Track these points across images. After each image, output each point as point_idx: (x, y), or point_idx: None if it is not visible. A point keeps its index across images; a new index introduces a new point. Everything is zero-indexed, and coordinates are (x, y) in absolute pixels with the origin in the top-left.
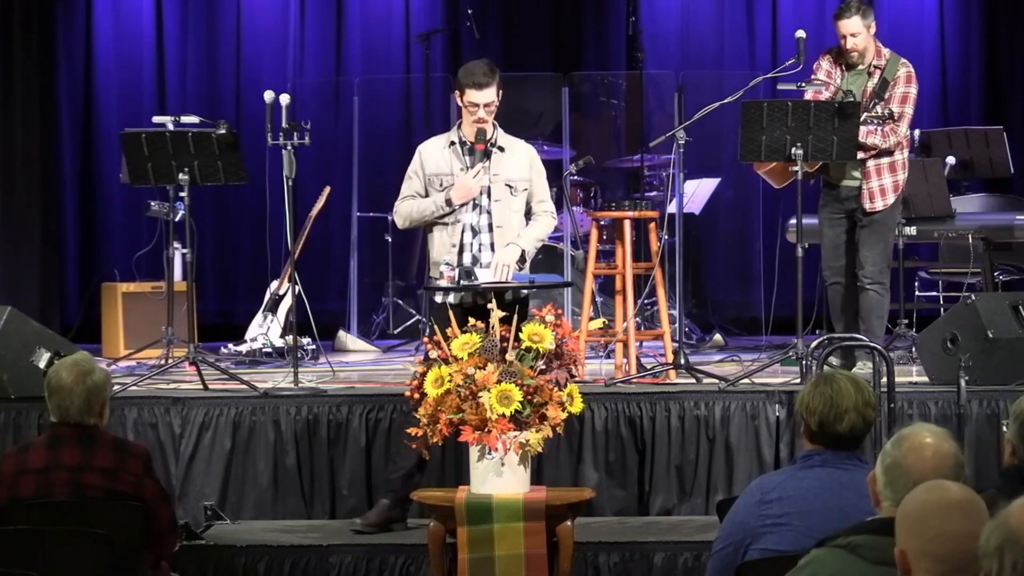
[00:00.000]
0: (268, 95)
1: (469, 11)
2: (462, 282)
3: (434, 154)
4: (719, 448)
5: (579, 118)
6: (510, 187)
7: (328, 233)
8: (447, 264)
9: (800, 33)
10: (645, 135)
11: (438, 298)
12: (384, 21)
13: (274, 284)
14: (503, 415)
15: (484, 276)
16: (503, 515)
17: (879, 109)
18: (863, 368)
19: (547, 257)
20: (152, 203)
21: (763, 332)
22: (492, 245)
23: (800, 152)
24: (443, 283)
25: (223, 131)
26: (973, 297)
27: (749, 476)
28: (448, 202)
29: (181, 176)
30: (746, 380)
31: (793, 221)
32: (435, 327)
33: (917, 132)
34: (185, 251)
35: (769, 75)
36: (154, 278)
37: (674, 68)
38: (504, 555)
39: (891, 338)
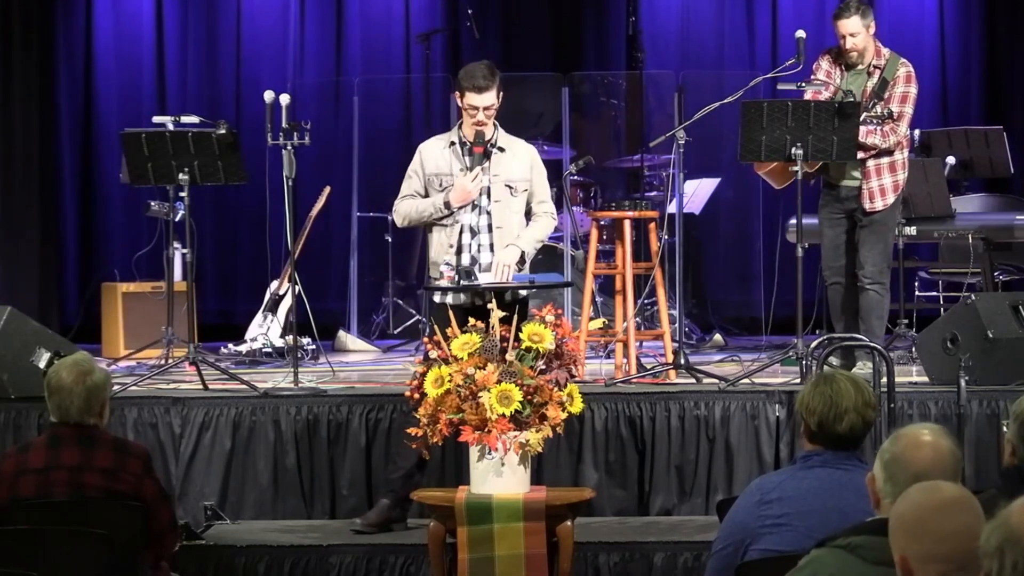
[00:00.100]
0: (268, 95)
1: (469, 11)
2: (462, 282)
3: (434, 154)
4: (719, 448)
5: (579, 118)
6: (510, 188)
7: (328, 233)
8: (447, 264)
9: (800, 33)
10: (645, 135)
11: (438, 298)
12: (384, 21)
13: (274, 284)
14: (503, 415)
15: (484, 278)
16: (503, 515)
17: (879, 109)
18: (863, 368)
19: (547, 257)
20: (152, 203)
21: (763, 332)
22: (491, 246)
23: (800, 152)
24: (443, 283)
25: (223, 131)
26: (973, 297)
27: (749, 476)
28: (446, 204)
29: (181, 176)
30: (746, 380)
31: (793, 221)
32: (435, 327)
33: (917, 132)
34: (185, 251)
35: (769, 75)
36: (154, 278)
37: (674, 68)
38: (504, 555)
39: (891, 338)
